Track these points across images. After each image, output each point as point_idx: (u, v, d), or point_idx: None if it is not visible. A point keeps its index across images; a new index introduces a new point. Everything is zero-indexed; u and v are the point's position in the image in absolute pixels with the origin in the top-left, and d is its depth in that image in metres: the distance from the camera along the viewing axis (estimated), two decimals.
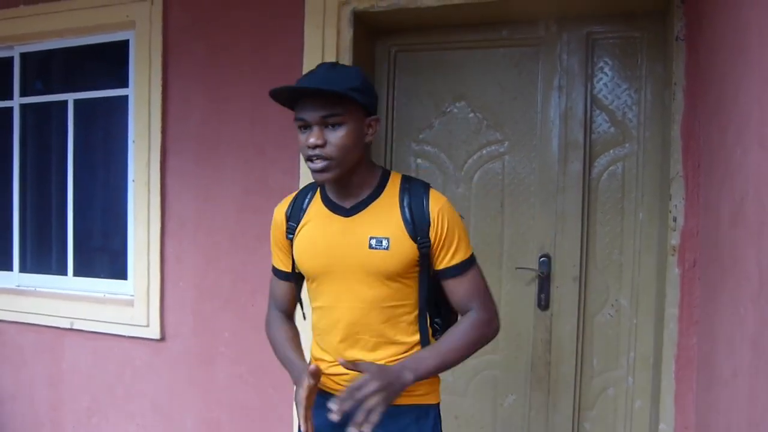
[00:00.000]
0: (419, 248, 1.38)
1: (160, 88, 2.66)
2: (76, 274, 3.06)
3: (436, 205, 1.40)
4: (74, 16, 2.85)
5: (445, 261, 1.41)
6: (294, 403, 1.30)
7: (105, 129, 3.04)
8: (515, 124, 2.43)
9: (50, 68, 3.16)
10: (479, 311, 1.43)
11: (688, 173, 1.99)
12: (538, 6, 2.27)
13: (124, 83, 2.86)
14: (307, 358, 1.54)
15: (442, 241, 1.40)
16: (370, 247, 1.38)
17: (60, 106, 3.06)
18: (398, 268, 1.38)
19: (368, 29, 2.50)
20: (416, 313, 1.46)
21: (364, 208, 1.42)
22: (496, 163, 2.46)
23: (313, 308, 1.52)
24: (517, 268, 2.43)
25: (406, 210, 1.40)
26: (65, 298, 2.98)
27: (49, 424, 3.02)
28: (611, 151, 2.33)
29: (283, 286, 1.58)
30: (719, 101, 1.66)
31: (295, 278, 1.55)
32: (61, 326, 2.92)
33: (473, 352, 1.43)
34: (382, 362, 1.41)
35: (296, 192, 1.56)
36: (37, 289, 3.12)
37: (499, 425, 2.47)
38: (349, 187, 1.41)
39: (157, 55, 2.66)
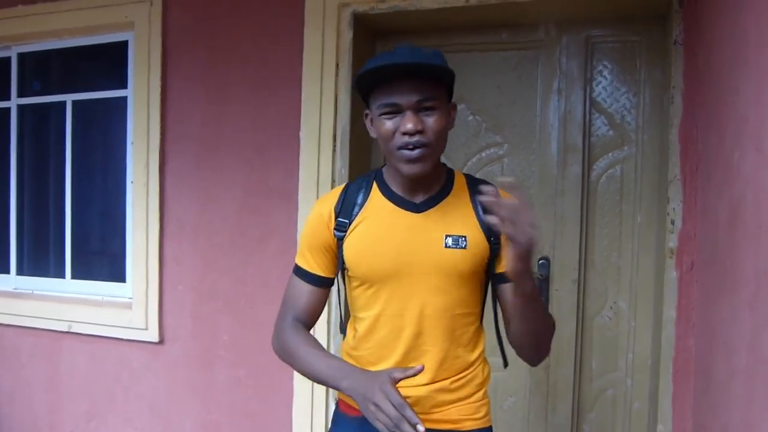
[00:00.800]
0: (491, 249, 1.30)
1: (159, 90, 2.65)
2: (74, 276, 3.05)
3: None
4: (73, 16, 2.85)
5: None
6: (371, 410, 1.10)
7: (103, 130, 3.04)
8: (514, 127, 2.44)
9: (48, 69, 3.15)
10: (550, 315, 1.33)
11: (686, 177, 2.00)
12: (537, 9, 2.28)
13: (123, 84, 2.85)
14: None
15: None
16: (446, 246, 1.27)
17: (58, 107, 3.05)
18: (476, 268, 1.29)
19: (368, 31, 2.51)
20: (478, 323, 1.38)
21: (435, 204, 1.31)
22: (495, 166, 2.47)
23: (361, 318, 1.36)
24: None
25: (479, 206, 1.29)
26: (63, 301, 2.97)
27: (47, 428, 3.01)
28: (610, 155, 2.34)
29: (312, 294, 1.39)
30: (717, 105, 1.67)
31: (326, 286, 1.41)
32: (58, 329, 2.91)
33: (544, 336, 1.30)
34: (445, 383, 1.31)
35: (343, 185, 1.40)
36: (35, 292, 3.11)
37: (499, 428, 2.46)
38: (423, 182, 1.30)
39: (156, 56, 2.65)
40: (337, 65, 2.38)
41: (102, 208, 3.04)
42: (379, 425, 1.10)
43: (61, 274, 3.08)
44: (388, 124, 1.22)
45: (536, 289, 1.19)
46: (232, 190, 2.58)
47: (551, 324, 1.32)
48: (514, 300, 1.23)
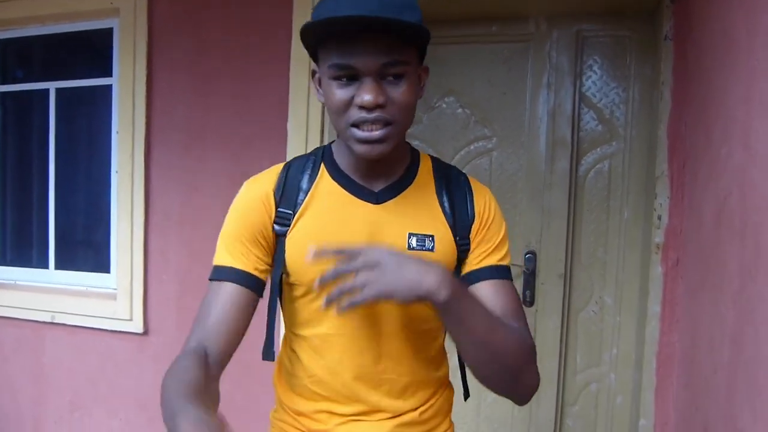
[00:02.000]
0: (458, 251, 1.06)
1: (144, 78, 2.62)
2: (58, 267, 3.02)
3: (482, 197, 1.10)
4: (56, 2, 2.80)
5: (480, 258, 1.06)
6: None
7: (88, 119, 2.99)
8: (503, 120, 2.43)
9: (31, 56, 3.10)
10: (528, 335, 1.04)
11: (674, 172, 2.01)
12: (528, 3, 2.27)
13: (108, 72, 2.81)
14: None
15: (482, 237, 1.07)
16: (410, 247, 1.02)
17: (41, 95, 3.01)
18: None
19: None
20: (442, 338, 1.15)
21: (398, 194, 1.05)
22: (483, 159, 2.47)
23: (302, 337, 1.09)
24: None
25: (445, 200, 1.07)
26: (46, 292, 2.94)
27: (31, 419, 2.98)
28: (598, 149, 2.34)
29: (236, 298, 1.01)
30: (706, 102, 1.68)
31: (260, 290, 1.05)
32: (42, 320, 2.88)
33: (509, 368, 0.99)
34: (413, 414, 1.10)
35: (281, 166, 1.10)
36: (18, 282, 3.07)
37: (483, 421, 2.48)
38: (383, 164, 1.03)
39: (141, 44, 2.62)
40: None
41: (86, 198, 3.01)
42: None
43: (44, 265, 3.05)
44: (340, 92, 0.93)
45: (469, 305, 0.90)
46: (218, 182, 2.56)
47: (517, 362, 0.99)
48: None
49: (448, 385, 1.20)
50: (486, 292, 1.03)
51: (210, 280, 1.05)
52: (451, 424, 1.22)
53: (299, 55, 2.38)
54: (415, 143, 2.50)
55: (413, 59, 0.97)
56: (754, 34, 1.25)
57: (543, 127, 2.37)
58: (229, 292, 1.00)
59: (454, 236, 1.05)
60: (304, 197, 1.04)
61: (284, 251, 1.04)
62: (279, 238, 1.04)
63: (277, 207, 1.04)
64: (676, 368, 2.01)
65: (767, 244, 1.12)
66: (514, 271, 2.36)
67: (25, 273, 3.08)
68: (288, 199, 1.04)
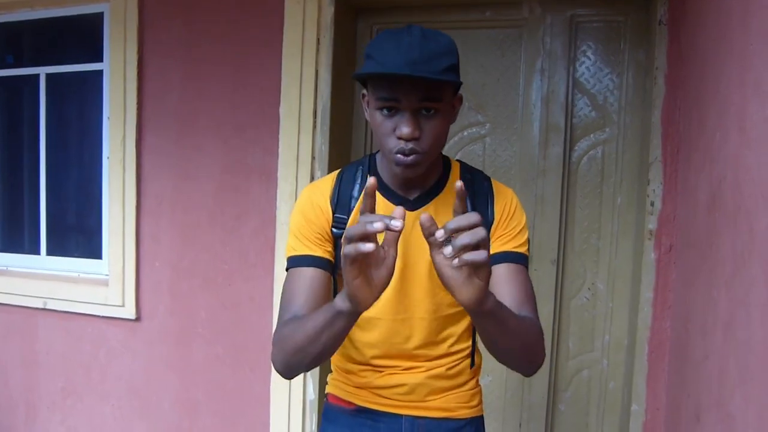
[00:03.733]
0: None
1: (135, 63, 2.59)
2: (50, 253, 3.00)
3: (501, 199, 1.24)
4: None
5: (498, 244, 1.20)
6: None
7: (79, 105, 2.96)
8: (497, 106, 2.42)
9: (21, 40, 3.06)
10: (537, 321, 1.18)
11: (667, 158, 2.01)
12: None
13: (99, 57, 2.78)
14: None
15: (501, 230, 1.21)
16: None
17: (32, 80, 2.97)
18: None
19: (350, 6, 2.47)
20: (469, 317, 1.27)
21: (429, 201, 1.21)
22: (476, 145, 2.46)
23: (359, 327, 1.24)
24: None
25: (468, 205, 1.20)
26: (38, 278, 2.92)
27: (23, 405, 2.98)
28: (591, 136, 2.33)
29: (315, 278, 1.18)
30: (700, 87, 1.67)
31: (332, 270, 1.23)
32: (34, 306, 2.87)
33: (525, 352, 1.13)
34: (441, 369, 1.27)
35: (335, 174, 1.27)
36: (9, 268, 3.06)
37: None
38: (419, 178, 1.19)
39: (132, 29, 2.59)
40: (318, 41, 2.34)
41: (78, 183, 2.99)
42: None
43: (36, 251, 3.03)
44: (385, 122, 1.10)
45: (500, 307, 1.01)
46: (210, 168, 2.54)
47: (530, 354, 1.15)
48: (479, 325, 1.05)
49: (475, 350, 1.34)
50: (501, 274, 1.17)
51: (288, 269, 1.22)
52: (479, 386, 1.37)
53: (292, 41, 2.36)
54: None
55: (447, 95, 1.11)
56: (748, 18, 1.24)
57: (536, 113, 2.36)
58: (310, 275, 1.18)
59: None
60: (356, 204, 1.22)
61: (339, 249, 1.15)
62: (337, 241, 1.21)
63: (333, 213, 1.21)
64: (668, 354, 2.02)
65: (761, 229, 1.12)
66: None
67: (17, 259, 3.07)
68: (342, 205, 1.22)
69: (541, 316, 2.35)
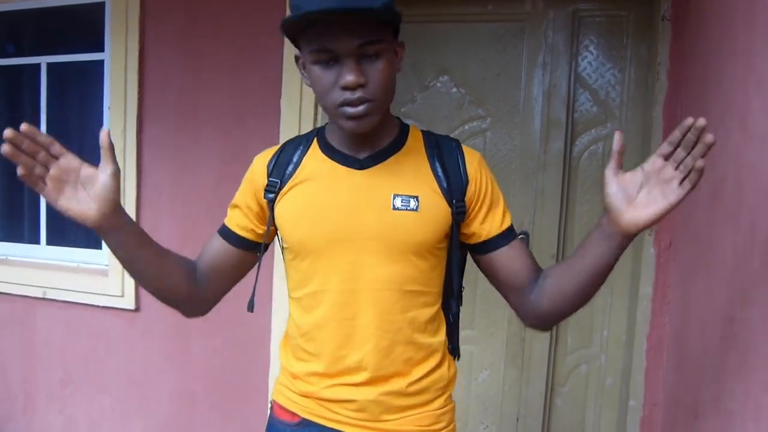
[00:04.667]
0: (453, 213, 1.09)
1: (137, 54, 2.58)
2: (50, 242, 3.00)
3: (473, 159, 1.13)
4: None
5: (493, 227, 1.13)
6: None
7: (79, 95, 2.96)
8: (498, 100, 2.42)
9: (22, 30, 3.06)
10: None
11: None
12: None
13: (100, 47, 2.77)
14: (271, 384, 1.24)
15: (482, 203, 1.12)
16: (395, 207, 1.06)
17: (33, 69, 2.97)
18: (429, 236, 1.08)
19: None
20: (437, 307, 1.16)
21: (383, 160, 1.11)
22: (477, 139, 2.45)
23: (296, 299, 1.17)
24: None
25: (437, 165, 1.11)
26: (38, 267, 2.92)
27: (21, 395, 2.98)
28: (593, 131, 2.33)
29: (220, 251, 1.21)
30: (703, 83, 1.67)
31: (248, 248, 1.21)
32: (33, 295, 2.87)
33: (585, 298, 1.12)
34: (401, 385, 1.12)
35: (283, 142, 1.22)
36: (9, 257, 3.06)
37: (473, 400, 2.50)
38: (371, 136, 1.10)
39: (134, 19, 2.58)
40: None
41: None
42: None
43: (36, 240, 3.03)
44: (324, 75, 1.00)
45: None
46: (210, 158, 2.54)
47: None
48: (594, 261, 1.05)
49: (444, 360, 1.18)
50: (507, 256, 1.13)
51: (218, 232, 1.23)
52: (451, 402, 1.21)
53: None
54: (409, 122, 2.50)
55: (388, 37, 1.02)
56: (752, 15, 1.24)
57: (537, 108, 2.36)
58: (217, 246, 1.21)
59: (450, 199, 1.10)
60: (294, 169, 1.13)
61: (274, 216, 1.14)
62: (269, 205, 1.15)
63: (268, 177, 1.15)
64: (666, 349, 2.03)
65: (762, 225, 1.12)
66: None
67: (17, 248, 3.07)
68: (278, 170, 1.15)
69: None
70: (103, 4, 2.74)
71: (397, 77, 1.09)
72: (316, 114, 2.35)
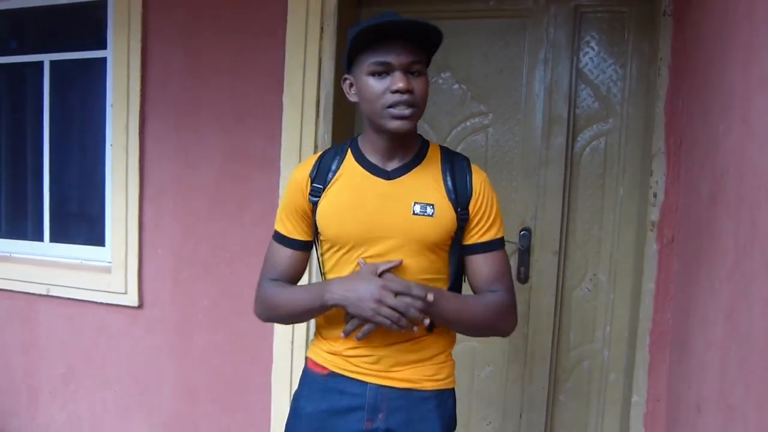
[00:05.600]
0: (458, 220, 1.33)
1: (139, 51, 2.59)
2: (53, 239, 3.01)
3: (479, 177, 1.37)
4: None
5: (477, 235, 1.36)
6: (371, 309, 1.22)
7: (82, 92, 2.96)
8: (500, 96, 2.42)
9: (25, 27, 3.06)
10: (505, 294, 1.37)
11: (670, 150, 2.01)
12: None
13: (103, 45, 2.77)
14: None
15: (479, 215, 1.35)
16: (414, 213, 1.30)
17: (35, 66, 2.97)
18: (440, 238, 1.32)
19: None
20: (447, 287, 1.39)
21: (407, 172, 1.34)
22: (479, 136, 2.45)
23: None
24: None
25: (449, 179, 1.34)
26: (41, 264, 2.93)
27: (24, 391, 3.00)
28: (594, 126, 2.33)
29: (292, 258, 1.43)
30: (704, 78, 1.67)
31: (307, 249, 1.46)
32: (36, 292, 2.88)
33: (482, 330, 1.39)
34: (407, 344, 1.36)
35: (320, 153, 1.44)
36: (13, 254, 3.07)
37: (475, 396, 2.50)
38: (400, 147, 1.34)
39: (136, 17, 2.58)
40: (322, 29, 2.33)
41: (81, 170, 2.99)
42: (382, 320, 1.21)
43: (39, 237, 3.04)
44: (378, 84, 1.25)
45: (447, 306, 1.28)
46: (212, 155, 2.55)
47: (499, 325, 1.38)
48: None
49: (445, 330, 1.43)
50: (478, 261, 1.36)
51: (273, 238, 1.45)
52: (450, 359, 1.45)
53: (295, 29, 2.35)
54: None
55: (426, 62, 1.29)
56: (753, 9, 1.24)
57: (539, 104, 2.35)
58: (284, 252, 1.43)
59: (456, 208, 1.32)
60: (333, 176, 1.37)
61: (316, 215, 1.37)
62: (313, 206, 1.37)
63: (311, 183, 1.37)
64: (669, 345, 2.02)
65: (763, 220, 1.12)
66: (508, 248, 2.36)
67: (20, 245, 3.08)
68: (320, 177, 1.37)
69: (541, 307, 2.38)
70: (105, 2, 2.74)
71: None
72: (317, 111, 2.35)
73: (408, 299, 1.21)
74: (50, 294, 2.85)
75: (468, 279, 1.41)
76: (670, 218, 2.02)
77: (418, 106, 1.26)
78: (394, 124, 1.25)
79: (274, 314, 1.42)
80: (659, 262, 2.05)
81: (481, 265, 1.36)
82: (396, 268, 1.30)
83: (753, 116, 1.21)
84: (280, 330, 2.45)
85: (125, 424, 2.80)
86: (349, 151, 1.39)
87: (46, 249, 3.01)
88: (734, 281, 1.27)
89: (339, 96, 2.36)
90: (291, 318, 1.42)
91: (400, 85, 1.21)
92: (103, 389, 2.82)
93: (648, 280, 2.07)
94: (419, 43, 1.25)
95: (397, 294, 1.21)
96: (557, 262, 2.37)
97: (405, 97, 1.23)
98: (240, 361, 2.57)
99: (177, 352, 2.67)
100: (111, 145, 2.70)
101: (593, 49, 2.31)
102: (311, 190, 1.37)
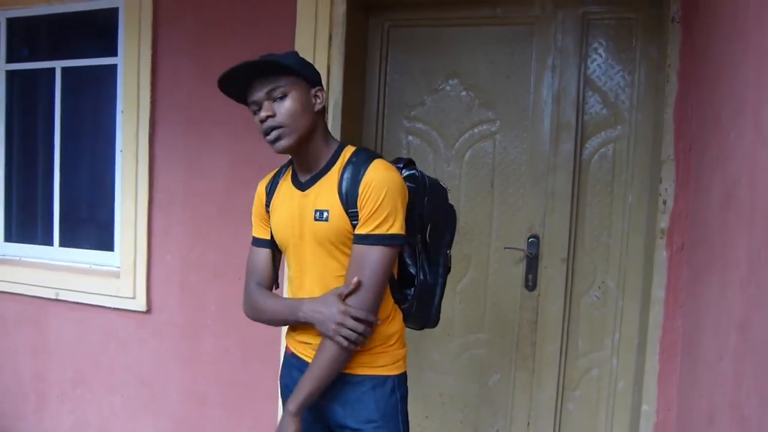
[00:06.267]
0: (350, 219, 1.42)
1: (149, 58, 2.61)
2: (62, 244, 3.03)
3: (372, 175, 1.41)
4: None
5: (360, 227, 1.42)
6: (332, 329, 1.39)
7: (93, 98, 2.99)
8: (507, 103, 2.42)
9: (38, 34, 3.09)
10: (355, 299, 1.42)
11: (680, 156, 2.00)
12: None
13: (113, 52, 2.80)
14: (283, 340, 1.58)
15: (363, 210, 1.40)
16: (315, 219, 1.45)
17: (47, 73, 3.00)
18: (337, 238, 1.44)
19: (362, 3, 2.47)
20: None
21: (315, 182, 1.48)
22: (487, 143, 2.45)
23: (288, 279, 1.62)
24: (505, 247, 2.43)
25: (343, 182, 1.44)
26: (50, 269, 2.95)
27: (33, 394, 3.01)
28: (603, 133, 2.32)
29: (264, 255, 1.63)
30: (714, 85, 1.66)
31: (274, 246, 1.62)
32: (46, 296, 2.90)
33: (343, 365, 1.44)
34: None
35: (277, 169, 1.66)
36: (22, 258, 3.09)
37: (484, 403, 2.49)
38: (306, 160, 1.49)
39: (147, 25, 2.61)
40: (330, 37, 2.34)
41: (91, 176, 3.01)
42: (341, 340, 1.37)
43: (49, 242, 3.06)
44: (256, 120, 1.44)
45: (304, 395, 1.42)
46: (221, 162, 2.56)
47: (339, 358, 1.43)
48: None
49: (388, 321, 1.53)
50: (354, 254, 1.43)
51: (252, 244, 1.65)
52: (391, 347, 1.53)
53: (304, 37, 2.36)
54: (418, 126, 2.52)
55: (297, 83, 1.44)
56: (763, 14, 1.23)
57: (547, 111, 2.35)
58: (261, 252, 1.63)
59: (346, 209, 1.42)
60: (276, 188, 1.60)
61: (270, 223, 1.60)
62: (268, 215, 1.61)
63: (267, 195, 1.62)
64: (679, 354, 2.01)
65: None
66: (517, 255, 2.39)
67: (30, 250, 3.10)
68: (271, 190, 1.61)
69: (550, 314, 2.37)
70: (116, 10, 2.77)
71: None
72: (326, 117, 2.35)
73: (360, 325, 1.37)
74: (59, 298, 2.86)
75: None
76: (679, 225, 2.01)
77: (283, 125, 1.41)
78: (274, 148, 1.44)
79: (259, 317, 1.59)
80: (669, 269, 2.04)
81: (353, 259, 1.43)
82: (315, 269, 1.48)
83: (765, 123, 1.20)
84: None
85: (133, 428, 2.80)
86: (291, 167, 1.58)
87: (56, 253, 3.03)
88: (748, 290, 1.25)
89: (347, 103, 2.37)
90: (272, 323, 1.59)
91: (261, 114, 1.42)
92: (111, 393, 2.83)
93: (658, 288, 2.05)
94: (277, 72, 1.42)
95: (354, 318, 1.37)
96: (566, 269, 2.36)
97: (268, 122, 1.41)
98: (247, 366, 2.57)
99: (185, 357, 2.67)
100: (121, 151, 2.72)
101: (601, 55, 2.31)
102: (266, 202, 1.61)
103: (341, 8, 2.33)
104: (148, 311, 2.71)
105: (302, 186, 1.51)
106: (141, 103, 2.64)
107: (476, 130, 2.46)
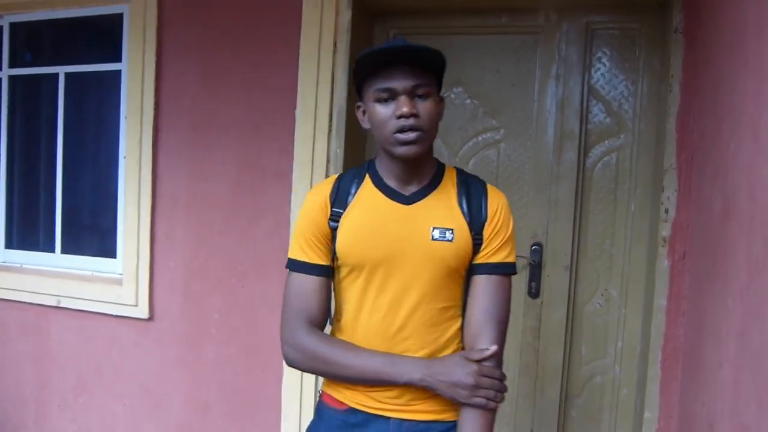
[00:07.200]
0: (473, 244, 1.30)
1: (154, 64, 2.62)
2: (64, 251, 3.03)
3: (495, 201, 1.34)
4: None
5: (485, 256, 1.31)
6: (464, 393, 1.24)
7: (96, 104, 2.99)
8: (512, 111, 2.43)
9: (41, 39, 3.10)
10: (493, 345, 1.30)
11: (682, 166, 2.01)
12: None
13: (117, 58, 2.81)
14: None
15: (492, 236, 1.31)
16: (434, 238, 1.28)
17: (50, 78, 3.01)
18: (459, 263, 1.29)
19: (367, 11, 2.48)
20: (460, 319, 1.36)
21: (424, 197, 1.32)
22: (491, 151, 2.46)
23: (346, 309, 1.36)
24: None
25: (464, 202, 1.32)
26: (52, 276, 2.94)
27: (34, 403, 3.00)
28: (606, 142, 2.33)
29: (317, 286, 1.34)
30: (715, 95, 1.67)
31: (332, 276, 1.38)
32: (47, 304, 2.89)
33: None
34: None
35: (336, 176, 1.41)
36: (24, 265, 3.09)
37: None
38: (415, 171, 1.32)
39: (151, 30, 2.61)
40: (335, 44, 2.36)
41: (94, 182, 3.01)
42: (479, 401, 1.23)
43: (50, 249, 3.06)
44: (383, 110, 1.25)
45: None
46: (225, 168, 2.56)
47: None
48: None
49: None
50: (480, 283, 1.31)
51: (289, 269, 1.37)
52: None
53: (309, 44, 2.38)
54: None
55: (434, 85, 1.28)
56: (765, 27, 1.24)
57: (551, 119, 2.36)
58: (313, 281, 1.34)
59: (471, 231, 1.30)
60: (351, 199, 1.34)
61: (336, 241, 1.32)
62: (332, 232, 1.33)
63: (331, 207, 1.34)
64: (681, 362, 2.01)
65: None
66: (520, 262, 2.39)
67: (32, 257, 3.09)
68: (340, 201, 1.34)
69: (553, 322, 2.38)
70: (121, 16, 2.78)
71: None
72: (330, 125, 2.37)
73: (496, 381, 1.26)
74: (61, 305, 2.86)
75: (467, 301, 1.34)
76: (681, 234, 2.02)
77: (423, 129, 1.24)
78: (401, 150, 1.25)
79: (321, 368, 1.33)
80: (671, 277, 2.05)
81: (481, 291, 1.31)
82: (415, 297, 1.28)
83: (763, 134, 1.21)
84: None
85: None
86: (368, 175, 1.37)
87: (58, 260, 3.03)
88: (747, 298, 1.26)
89: (351, 111, 2.38)
90: (346, 378, 1.31)
91: (404, 109, 1.21)
92: (114, 401, 2.82)
93: (660, 296, 2.06)
94: (424, 67, 1.25)
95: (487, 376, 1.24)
96: (569, 277, 2.36)
97: (410, 121, 1.22)
98: (250, 374, 2.57)
99: (187, 364, 2.67)
100: (124, 157, 2.73)
101: (605, 65, 2.32)
102: (331, 215, 1.33)
103: (346, 15, 2.34)
104: (151, 318, 2.71)
105: (406, 199, 1.32)
106: (144, 108, 2.64)
107: (480, 138, 2.47)
